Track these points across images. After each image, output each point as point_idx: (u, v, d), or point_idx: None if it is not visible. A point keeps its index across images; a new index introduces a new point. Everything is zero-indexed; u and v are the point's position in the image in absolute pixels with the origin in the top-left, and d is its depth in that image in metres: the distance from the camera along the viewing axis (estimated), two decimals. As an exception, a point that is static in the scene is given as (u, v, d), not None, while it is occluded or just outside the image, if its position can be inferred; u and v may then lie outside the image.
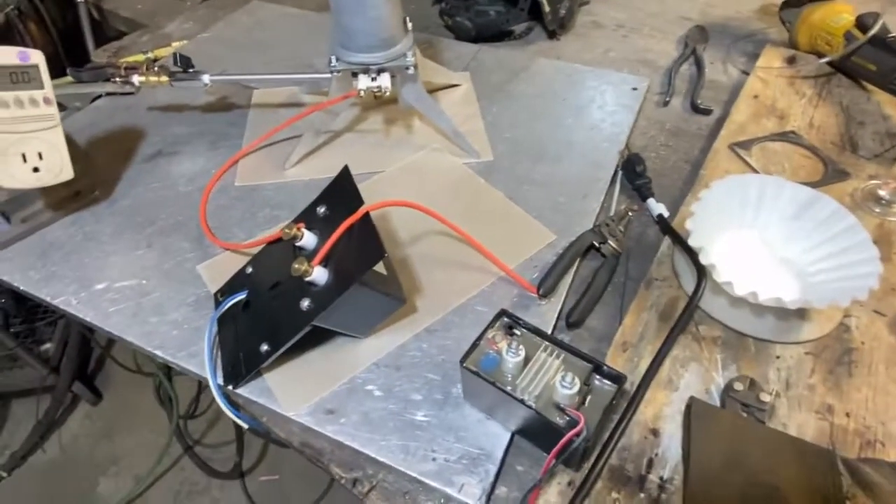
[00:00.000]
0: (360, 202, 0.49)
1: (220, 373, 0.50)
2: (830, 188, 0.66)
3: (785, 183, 0.59)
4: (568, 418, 0.40)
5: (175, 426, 1.48)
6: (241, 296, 0.53)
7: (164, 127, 0.77)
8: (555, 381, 0.41)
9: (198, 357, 0.52)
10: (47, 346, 1.48)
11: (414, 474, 0.44)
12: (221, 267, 0.58)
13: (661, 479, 0.43)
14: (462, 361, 0.43)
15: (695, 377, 0.49)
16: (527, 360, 0.43)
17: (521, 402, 0.41)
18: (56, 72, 0.63)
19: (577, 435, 0.39)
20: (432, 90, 0.79)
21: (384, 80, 0.64)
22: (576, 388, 0.40)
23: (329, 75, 0.65)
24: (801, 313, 0.53)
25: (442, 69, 0.81)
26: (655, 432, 0.46)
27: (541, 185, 0.67)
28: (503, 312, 0.46)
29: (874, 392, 0.48)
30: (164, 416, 1.54)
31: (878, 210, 0.63)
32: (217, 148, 0.73)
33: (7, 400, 1.60)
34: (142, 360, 1.66)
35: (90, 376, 1.66)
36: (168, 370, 1.61)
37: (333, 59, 0.64)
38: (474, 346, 0.44)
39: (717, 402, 0.47)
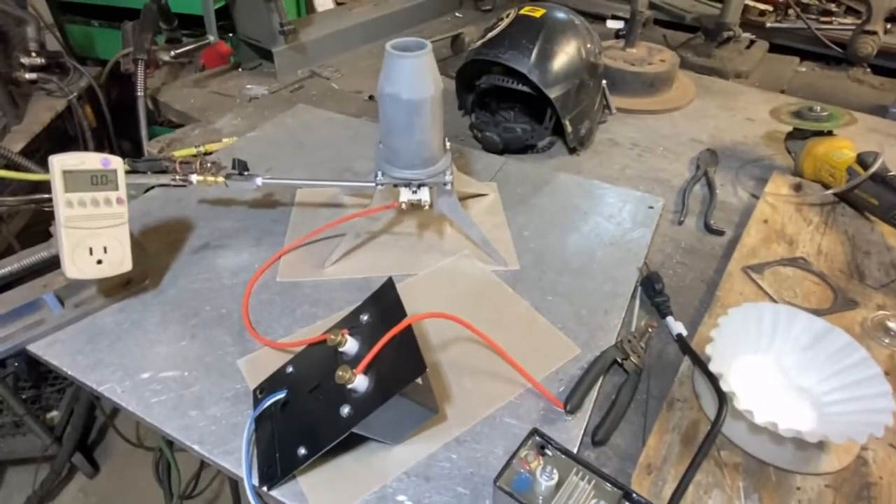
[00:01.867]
0: (403, 314, 0.53)
1: (254, 472, 0.52)
2: (841, 316, 0.69)
3: (798, 313, 0.62)
4: None
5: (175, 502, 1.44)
6: (281, 395, 0.55)
7: (212, 220, 0.83)
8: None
9: (234, 455, 0.53)
10: (53, 413, 1.48)
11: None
12: (261, 363, 0.61)
13: None
14: (496, 480, 0.45)
15: (718, 503, 0.50)
16: (559, 483, 0.45)
17: None
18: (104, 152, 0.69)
19: None
20: (462, 198, 0.85)
21: (424, 195, 0.70)
22: None
23: (374, 186, 0.71)
24: (820, 445, 0.55)
25: (472, 180, 0.87)
26: (681, 562, 0.46)
27: (564, 296, 0.71)
28: (535, 432, 0.48)
29: (896, 531, 0.49)
30: (160, 493, 1.50)
31: (887, 341, 0.66)
32: (261, 244, 0.78)
33: (3, 467, 1.57)
34: (144, 433, 1.64)
35: (90, 447, 1.64)
36: (171, 445, 1.59)
37: (379, 173, 0.70)
38: (507, 465, 0.46)
39: (742, 534, 0.48)
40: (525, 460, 0.46)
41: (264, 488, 0.51)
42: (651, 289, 0.72)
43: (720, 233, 0.84)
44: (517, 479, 0.45)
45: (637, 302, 0.72)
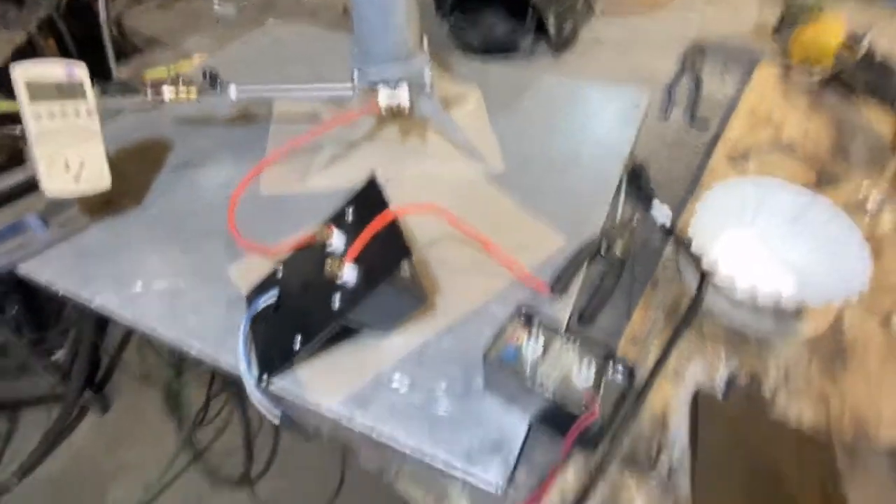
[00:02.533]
0: (387, 206, 0.53)
1: (253, 368, 0.54)
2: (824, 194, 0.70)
3: (783, 185, 0.63)
4: (584, 404, 0.43)
5: (183, 434, 1.50)
6: (274, 297, 0.56)
7: (189, 140, 0.81)
8: (571, 370, 0.44)
9: (232, 353, 0.55)
10: (58, 354, 1.51)
11: (439, 462, 0.47)
12: (252, 270, 0.62)
13: (670, 460, 0.46)
14: (485, 354, 0.46)
15: (699, 370, 0.53)
16: (545, 351, 0.46)
17: (540, 391, 0.44)
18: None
19: (592, 419, 0.42)
20: (444, 103, 0.83)
21: (403, 94, 0.68)
22: (591, 376, 0.44)
23: (350, 90, 0.69)
24: (799, 312, 0.57)
25: (454, 83, 0.85)
26: (664, 420, 0.49)
27: (550, 193, 0.71)
28: (522, 307, 0.49)
29: (867, 384, 0.52)
30: (172, 424, 1.56)
31: (867, 218, 0.67)
32: (241, 160, 0.77)
33: (17, 409, 1.62)
34: (150, 368, 1.69)
35: (99, 385, 1.69)
36: (179, 375, 1.64)
37: (356, 74, 0.68)
38: (495, 340, 0.48)
39: (721, 393, 0.51)
40: (512, 334, 0.48)
41: (264, 377, 0.52)
42: (636, 181, 0.72)
43: (706, 124, 0.84)
44: (505, 351, 0.47)
45: (622, 195, 0.72)
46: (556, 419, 0.46)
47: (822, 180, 0.72)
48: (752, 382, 0.50)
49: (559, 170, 0.75)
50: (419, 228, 0.65)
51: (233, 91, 0.74)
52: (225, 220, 0.67)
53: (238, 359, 0.53)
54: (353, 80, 0.68)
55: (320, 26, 1.09)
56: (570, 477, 0.45)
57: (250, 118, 0.85)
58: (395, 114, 0.74)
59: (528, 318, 0.49)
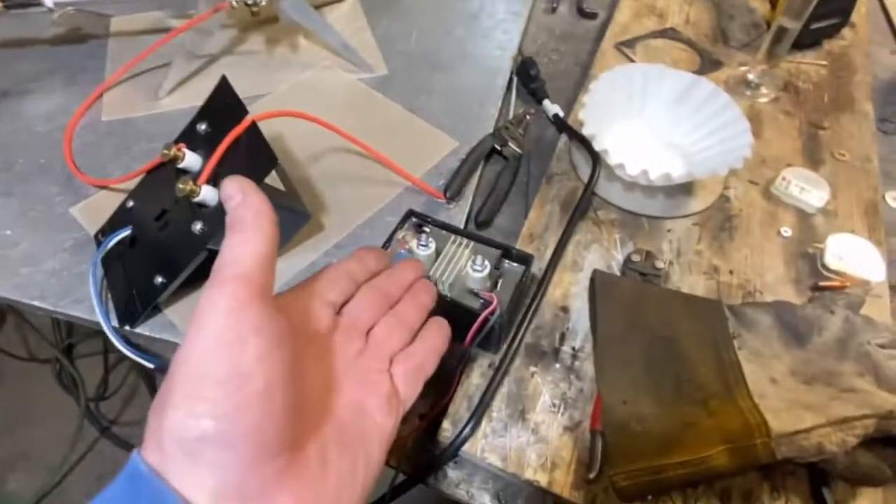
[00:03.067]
0: (245, 112, 0.46)
1: (113, 315, 0.46)
2: (708, 77, 0.70)
3: (666, 70, 0.61)
4: (482, 301, 0.41)
5: (85, 409, 1.38)
6: (126, 232, 0.48)
7: (6, 65, 0.67)
8: (466, 269, 0.42)
9: (84, 302, 0.47)
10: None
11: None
12: (99, 206, 0.53)
13: (573, 349, 0.46)
14: None
15: (596, 257, 0.52)
16: (438, 254, 0.43)
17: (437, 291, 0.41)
18: None
19: (492, 314, 0.40)
20: (318, 6, 0.74)
21: (258, -10, 0.59)
22: (486, 272, 0.41)
23: (194, -12, 0.59)
24: (688, 189, 0.57)
25: (323, -18, 0.76)
26: (565, 309, 0.48)
27: (438, 94, 0.66)
28: (411, 213, 0.45)
29: (752, 251, 0.53)
30: (70, 401, 1.43)
31: (748, 93, 0.68)
32: (75, 83, 0.65)
33: None
34: (35, 346, 1.52)
35: (-25, 373, 1.50)
36: (69, 351, 1.49)
37: (196, -34, 0.57)
38: (385, 246, 0.44)
39: (619, 273, 0.50)
40: (403, 241, 0.44)
41: (127, 327, 0.46)
42: (526, 76, 0.69)
43: (593, 16, 0.81)
44: (396, 257, 0.43)
45: (514, 92, 0.69)
46: (455, 321, 0.43)
47: (706, 63, 0.72)
48: (646, 259, 0.50)
49: (446, 69, 0.69)
50: (297, 143, 0.59)
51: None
52: (60, 154, 0.57)
53: (93, 308, 0.46)
54: (193, -26, 0.58)
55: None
56: (475, 379, 0.44)
57: (83, 37, 0.71)
58: (256, 16, 0.65)
59: (418, 224, 0.46)
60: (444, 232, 0.45)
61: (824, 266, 0.52)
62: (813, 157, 0.62)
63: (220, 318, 0.25)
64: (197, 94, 0.64)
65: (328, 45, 0.69)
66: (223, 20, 0.64)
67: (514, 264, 0.44)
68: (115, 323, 0.46)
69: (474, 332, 0.40)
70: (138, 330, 0.46)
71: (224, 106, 0.48)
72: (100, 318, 0.45)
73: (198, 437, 0.23)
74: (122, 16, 0.73)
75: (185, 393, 0.24)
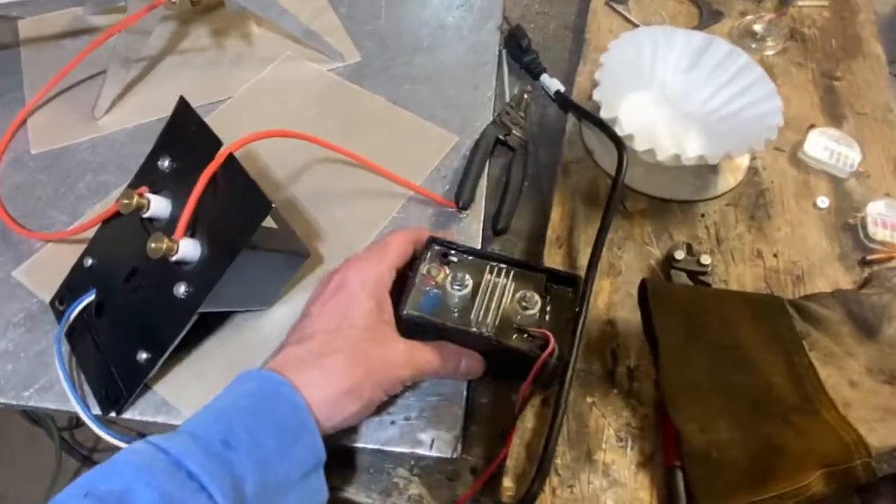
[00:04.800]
0: (216, 142, 0.37)
1: (92, 401, 0.39)
2: (709, 31, 0.64)
3: (674, 31, 0.55)
4: (535, 339, 0.35)
5: (60, 440, 1.28)
6: (89, 297, 0.40)
7: None
8: (512, 304, 0.36)
9: (52, 389, 0.39)
10: None
11: (374, 447, 0.38)
12: (49, 265, 0.44)
13: (628, 368, 0.41)
14: (400, 314, 0.36)
15: (633, 256, 0.47)
16: (475, 288, 0.37)
17: (480, 335, 0.35)
18: None
19: (550, 355, 0.34)
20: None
21: (200, -23, 0.49)
22: (537, 307, 0.35)
23: (119, -19, 0.48)
24: (715, 167, 0.52)
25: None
26: (612, 323, 0.43)
27: (423, 80, 0.58)
28: (432, 241, 0.39)
29: (791, 228, 0.49)
30: (42, 435, 1.32)
31: (754, 46, 0.63)
32: (-13, 109, 0.54)
33: None
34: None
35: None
36: (28, 385, 1.37)
37: (119, -45, 0.47)
38: (407, 291, 0.37)
39: (661, 276, 0.46)
40: (429, 276, 0.37)
41: (112, 415, 0.38)
42: (517, 49, 0.61)
43: (575, -31, 0.73)
44: (425, 299, 0.37)
45: (505, 68, 0.61)
46: (506, 364, 0.38)
47: (706, 15, 0.66)
48: (689, 254, 0.45)
49: (427, 47, 0.61)
50: (273, 158, 0.50)
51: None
52: (-13, 204, 0.47)
53: (66, 396, 0.38)
54: (117, -36, 0.47)
55: None
56: (528, 422, 0.39)
57: (-15, 47, 0.59)
58: (197, 5, 0.55)
59: (443, 254, 0.39)
60: (473, 258, 0.39)
61: (868, 237, 0.48)
62: (833, 114, 0.57)
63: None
64: (141, 108, 0.54)
65: (286, 32, 0.59)
66: (160, 14, 0.53)
67: (561, 288, 0.38)
68: (96, 410, 0.39)
69: (532, 379, 0.34)
70: (127, 415, 0.39)
71: (187, 134, 0.39)
72: (78, 409, 0.38)
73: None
74: (31, 17, 0.61)
75: None
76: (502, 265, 0.38)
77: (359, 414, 0.34)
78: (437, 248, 0.39)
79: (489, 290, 0.37)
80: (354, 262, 0.38)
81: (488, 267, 0.38)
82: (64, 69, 0.52)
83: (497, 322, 0.36)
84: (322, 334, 0.35)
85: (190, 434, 0.29)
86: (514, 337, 0.36)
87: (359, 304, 0.36)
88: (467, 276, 0.36)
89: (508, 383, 0.41)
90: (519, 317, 0.36)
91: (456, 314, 0.36)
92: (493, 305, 0.36)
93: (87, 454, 1.35)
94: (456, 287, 0.36)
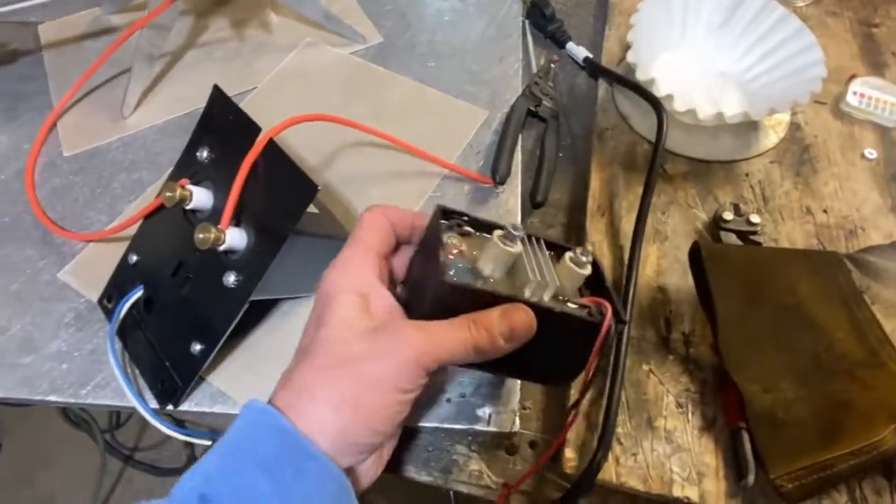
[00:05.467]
0: (255, 129, 0.37)
1: (149, 396, 0.39)
2: (738, -14, 0.62)
3: (705, -14, 0.54)
4: (589, 308, 0.32)
5: (103, 442, 1.31)
6: (138, 293, 0.40)
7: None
8: (552, 271, 0.31)
9: (110, 386, 0.40)
10: None
11: (432, 425, 0.37)
12: (92, 265, 0.44)
13: (683, 334, 0.40)
14: (440, 276, 0.27)
15: (679, 220, 0.46)
16: (512, 263, 0.30)
17: (537, 304, 0.29)
18: None
19: (608, 324, 0.32)
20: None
21: (218, -35, 0.48)
22: (587, 269, 0.31)
23: (139, -25, 0.48)
24: (755, 124, 0.51)
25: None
26: (662, 290, 0.42)
27: (448, 56, 0.57)
28: (443, 212, 0.31)
29: (839, 181, 0.48)
30: (85, 438, 1.35)
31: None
32: (18, 116, 0.54)
33: None
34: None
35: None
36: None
37: (137, -53, 0.46)
38: (435, 255, 0.29)
39: (710, 238, 0.44)
40: (452, 246, 0.30)
41: (169, 407, 0.39)
42: (541, 18, 0.60)
43: (591, -68, 0.71)
44: (455, 271, 0.29)
45: (530, 38, 0.60)
46: (560, 339, 0.32)
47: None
48: (737, 214, 0.44)
49: (448, 23, 0.60)
50: (303, 144, 0.50)
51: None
52: (27, 208, 0.48)
53: (123, 392, 0.38)
54: (136, -43, 0.47)
55: None
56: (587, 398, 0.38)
57: (11, 55, 0.59)
58: (215, 0, 0.54)
59: (457, 223, 0.31)
60: (480, 232, 0.32)
61: (921, 185, 0.47)
62: (875, 62, 0.55)
63: None
64: (167, 103, 0.54)
65: (305, 17, 0.59)
66: (179, 8, 0.53)
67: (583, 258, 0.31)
68: (153, 405, 0.39)
69: (599, 349, 0.31)
70: (184, 407, 0.39)
71: (224, 122, 0.39)
72: (135, 404, 0.38)
73: None
74: (50, 21, 0.60)
75: None
76: (531, 234, 0.32)
77: (391, 419, 0.28)
78: (451, 219, 0.32)
79: (532, 260, 0.31)
80: (332, 263, 0.32)
81: (517, 236, 0.30)
82: (88, 70, 0.52)
83: (546, 291, 0.30)
84: (302, 354, 0.29)
85: (171, 495, 0.25)
86: (567, 307, 0.31)
87: (338, 305, 0.29)
88: (496, 249, 0.29)
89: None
90: (563, 287, 0.31)
91: (496, 285, 0.30)
92: (539, 273, 0.30)
93: (129, 454, 1.38)
94: (487, 259, 0.29)
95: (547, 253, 0.32)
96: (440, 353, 0.27)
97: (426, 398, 0.38)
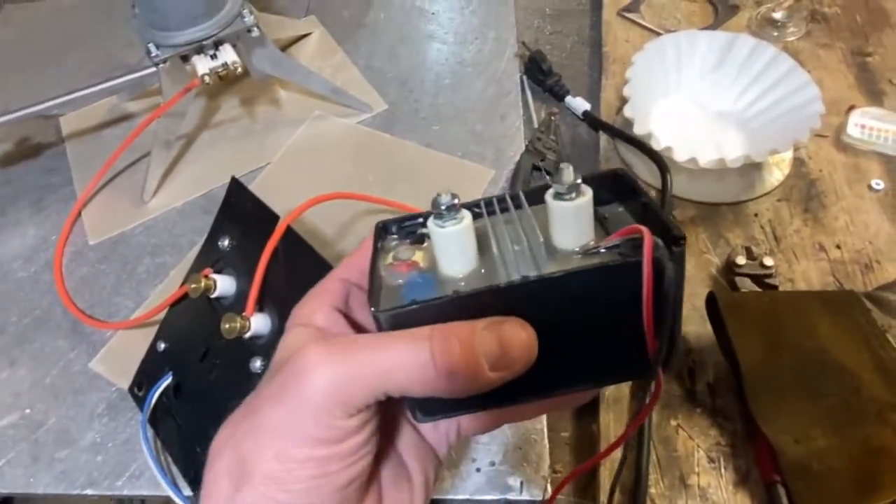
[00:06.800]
0: (273, 217, 0.38)
1: (182, 483, 0.40)
2: (727, 25, 0.64)
3: (697, 34, 0.55)
4: (617, 245, 0.19)
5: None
6: (167, 380, 0.41)
7: (-45, 203, 0.58)
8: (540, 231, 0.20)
9: (144, 475, 0.40)
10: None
11: (463, 497, 0.37)
12: (122, 353, 0.46)
13: (708, 385, 0.40)
14: (376, 314, 0.19)
15: (692, 266, 0.46)
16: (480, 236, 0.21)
17: (528, 282, 0.18)
18: None
19: (652, 250, 0.17)
20: (283, 47, 0.66)
21: (228, 55, 0.51)
22: (583, 197, 0.19)
23: (154, 69, 0.50)
24: (759, 164, 0.51)
25: (284, 20, 0.67)
26: (683, 339, 0.42)
27: (451, 118, 0.59)
28: (383, 228, 0.23)
29: (849, 215, 0.48)
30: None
31: (776, 34, 0.62)
32: (44, 208, 0.56)
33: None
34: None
35: None
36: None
37: (152, 47, 0.49)
38: (375, 284, 0.20)
39: (725, 284, 0.45)
40: (399, 263, 0.22)
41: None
42: (538, 73, 0.61)
43: (580, -17, 0.73)
44: (407, 288, 0.21)
45: (529, 93, 0.62)
46: (582, 315, 0.19)
47: (722, 10, 0.65)
48: (750, 258, 0.44)
49: (449, 86, 0.62)
50: (321, 217, 0.51)
51: (-15, 121, 0.52)
52: (56, 298, 0.49)
53: (156, 482, 0.39)
54: (152, 56, 0.49)
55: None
56: (615, 454, 0.38)
57: (35, 149, 0.62)
58: (225, 82, 0.57)
59: (409, 232, 0.23)
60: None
61: (932, 213, 0.47)
62: (872, 91, 0.56)
63: None
64: (185, 185, 0.56)
65: (313, 91, 0.61)
66: (193, 93, 0.55)
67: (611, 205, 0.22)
68: (187, 492, 0.40)
69: (650, 292, 0.18)
70: (217, 493, 0.39)
71: (243, 212, 0.40)
72: (171, 493, 0.38)
73: None
74: (71, 113, 0.63)
75: None
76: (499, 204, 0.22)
77: (311, 486, 0.18)
78: (393, 231, 0.23)
79: (499, 225, 0.21)
80: None
81: (488, 216, 0.22)
82: (109, 159, 0.54)
83: (544, 255, 0.20)
84: None
85: None
86: (581, 260, 0.20)
87: (280, 346, 0.21)
88: (462, 237, 0.20)
89: (588, 412, 0.40)
90: (561, 238, 0.20)
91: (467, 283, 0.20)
92: (514, 240, 0.20)
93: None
94: (446, 227, 0.20)
95: (527, 209, 0.21)
96: (373, 383, 0.18)
97: (455, 470, 0.38)
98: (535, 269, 0.19)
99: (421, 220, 0.23)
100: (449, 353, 0.17)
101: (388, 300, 0.20)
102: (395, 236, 0.23)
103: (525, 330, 0.18)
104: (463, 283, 0.20)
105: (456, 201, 0.20)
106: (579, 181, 0.19)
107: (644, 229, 0.17)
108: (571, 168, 0.19)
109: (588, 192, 0.19)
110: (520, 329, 0.18)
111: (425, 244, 0.22)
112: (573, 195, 0.19)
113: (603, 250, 0.19)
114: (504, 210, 0.22)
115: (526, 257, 0.20)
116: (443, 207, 0.20)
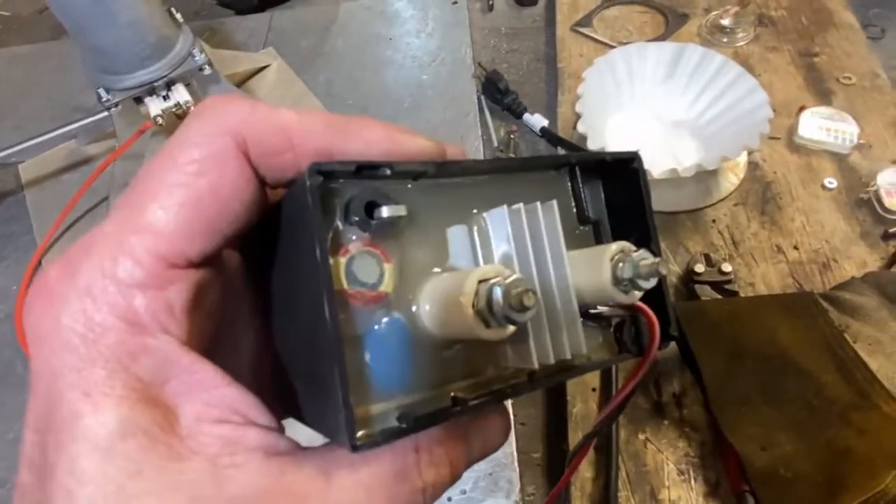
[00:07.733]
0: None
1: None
2: (678, 35, 0.65)
3: (646, 45, 0.56)
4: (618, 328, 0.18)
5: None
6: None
7: (-86, 259, 0.57)
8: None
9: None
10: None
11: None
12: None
13: (674, 395, 0.40)
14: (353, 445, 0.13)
15: (654, 277, 0.46)
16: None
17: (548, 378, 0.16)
18: None
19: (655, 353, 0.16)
20: (241, 82, 0.66)
21: (181, 94, 0.51)
22: (648, 284, 0.16)
23: (106, 113, 0.50)
24: (714, 170, 0.52)
25: (240, 54, 0.68)
26: (647, 352, 0.42)
27: (411, 142, 0.59)
28: (320, 175, 0.13)
29: (805, 215, 0.49)
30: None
31: (725, 40, 0.63)
32: (5, 258, 0.56)
33: None
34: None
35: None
36: None
37: (102, 91, 0.49)
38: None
39: (685, 292, 0.45)
40: (357, 292, 0.14)
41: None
42: (496, 92, 0.62)
43: (532, 2, 0.74)
44: (371, 338, 0.14)
45: (487, 113, 0.62)
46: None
47: (672, 20, 0.66)
48: (709, 265, 0.45)
49: (408, 108, 0.62)
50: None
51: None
52: (14, 352, 0.49)
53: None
54: (102, 101, 0.49)
55: (38, 39, 0.82)
56: (585, 474, 0.38)
57: (-9, 197, 0.62)
58: (181, 118, 0.57)
59: (365, 203, 0.14)
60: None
61: (885, 209, 0.47)
62: (821, 90, 0.57)
63: None
64: (148, 226, 0.56)
65: (272, 122, 0.61)
66: (149, 134, 0.55)
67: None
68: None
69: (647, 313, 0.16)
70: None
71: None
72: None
73: None
74: (30, 160, 0.63)
75: None
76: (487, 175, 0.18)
77: None
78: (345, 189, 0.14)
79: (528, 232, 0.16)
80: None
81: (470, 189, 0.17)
82: (67, 206, 0.54)
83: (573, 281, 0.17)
84: None
85: None
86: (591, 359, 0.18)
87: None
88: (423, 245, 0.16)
89: (556, 431, 0.40)
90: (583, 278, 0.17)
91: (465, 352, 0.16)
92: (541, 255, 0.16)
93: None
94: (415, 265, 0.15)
95: (561, 241, 0.16)
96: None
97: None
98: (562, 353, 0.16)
99: (388, 171, 0.14)
100: (437, 479, 0.14)
101: (359, 397, 0.13)
102: (344, 220, 0.14)
103: (504, 419, 0.16)
104: (458, 348, 0.15)
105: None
106: (658, 265, 0.15)
107: (647, 311, 0.16)
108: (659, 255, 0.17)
109: (654, 281, 0.16)
110: (501, 422, 0.16)
111: (388, 240, 0.15)
112: (648, 276, 0.16)
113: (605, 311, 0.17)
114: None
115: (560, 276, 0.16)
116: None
